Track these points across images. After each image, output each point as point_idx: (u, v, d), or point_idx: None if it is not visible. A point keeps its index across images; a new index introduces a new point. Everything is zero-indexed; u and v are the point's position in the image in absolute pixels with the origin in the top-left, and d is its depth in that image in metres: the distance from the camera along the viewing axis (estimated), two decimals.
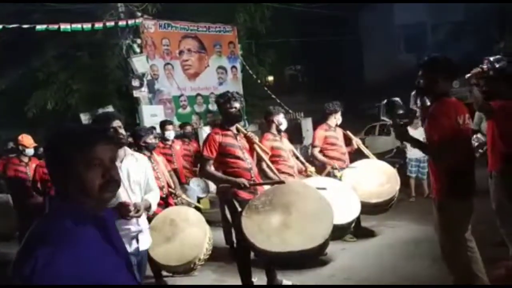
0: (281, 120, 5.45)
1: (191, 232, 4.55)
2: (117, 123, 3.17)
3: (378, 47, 23.22)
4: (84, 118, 10.44)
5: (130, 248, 3.12)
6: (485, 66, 3.93)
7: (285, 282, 4.59)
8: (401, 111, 3.50)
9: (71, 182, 1.45)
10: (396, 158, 10.19)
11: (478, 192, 3.47)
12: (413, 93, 3.68)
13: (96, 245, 1.42)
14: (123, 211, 3.01)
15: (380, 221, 6.62)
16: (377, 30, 22.65)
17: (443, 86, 3.33)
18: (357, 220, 5.90)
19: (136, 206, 3.11)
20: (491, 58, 3.96)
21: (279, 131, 5.46)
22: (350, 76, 21.93)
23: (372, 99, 23.31)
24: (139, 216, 3.16)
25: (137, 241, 3.21)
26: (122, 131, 3.22)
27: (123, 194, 3.12)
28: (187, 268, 4.54)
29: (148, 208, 3.29)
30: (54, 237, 1.34)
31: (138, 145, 5.06)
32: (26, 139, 6.54)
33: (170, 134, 6.79)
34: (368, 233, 6.25)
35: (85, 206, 1.46)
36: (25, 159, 6.62)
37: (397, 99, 3.59)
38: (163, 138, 6.75)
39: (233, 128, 4.41)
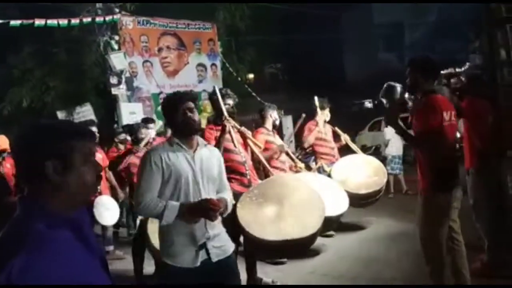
0: (276, 116, 5.59)
1: None
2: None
3: (357, 46, 23.46)
4: (61, 116, 10.25)
5: (195, 262, 2.63)
6: (457, 69, 4.06)
7: (265, 280, 4.61)
8: (398, 97, 3.54)
9: (69, 177, 1.38)
10: (374, 155, 10.30)
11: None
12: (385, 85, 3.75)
13: (72, 247, 1.36)
14: (211, 210, 2.56)
15: (359, 217, 6.70)
16: (356, 29, 22.87)
17: (428, 83, 3.41)
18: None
19: (223, 202, 2.71)
20: (466, 67, 4.14)
21: (274, 126, 5.57)
22: (330, 74, 22.08)
23: (351, 97, 23.58)
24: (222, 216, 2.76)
25: (206, 251, 2.66)
26: None
27: (194, 192, 2.69)
28: None
29: (225, 209, 2.80)
30: (28, 242, 1.27)
31: (135, 140, 5.36)
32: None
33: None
34: (347, 229, 6.32)
35: (59, 206, 1.39)
36: None
37: (398, 84, 3.64)
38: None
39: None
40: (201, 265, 2.64)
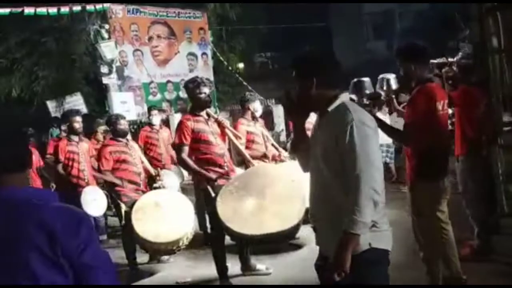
0: (256, 107, 5.49)
1: (178, 214, 4.57)
2: None
3: (347, 34, 23.41)
4: (51, 105, 10.17)
5: None
6: (449, 59, 4.10)
7: (259, 266, 4.65)
8: (368, 91, 3.55)
9: None
10: None
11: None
12: (380, 76, 3.75)
13: None
14: None
15: None
16: (346, 18, 22.81)
17: (420, 72, 3.40)
18: None
19: None
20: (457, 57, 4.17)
21: (253, 117, 5.47)
22: None
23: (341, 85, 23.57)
24: None
25: None
26: None
27: None
28: (171, 249, 4.54)
29: None
30: None
31: (113, 131, 5.13)
32: None
33: (155, 119, 6.75)
34: None
35: None
36: None
37: (366, 79, 3.65)
38: (149, 123, 6.81)
39: (204, 114, 4.40)
40: None
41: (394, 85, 4.05)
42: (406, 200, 3.62)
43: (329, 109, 2.19)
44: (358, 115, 2.10)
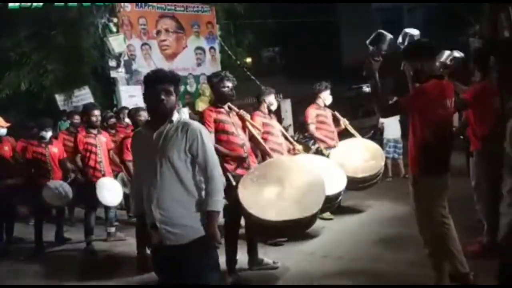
0: (272, 100, 5.63)
1: None
2: None
3: (356, 30, 23.30)
4: (60, 99, 10.22)
5: (153, 239, 2.84)
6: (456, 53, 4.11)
7: (266, 260, 4.66)
8: (385, 48, 3.45)
9: None
10: (373, 139, 10.34)
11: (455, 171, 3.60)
12: (405, 30, 3.66)
13: None
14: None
15: (358, 201, 6.76)
16: (355, 13, 22.68)
17: (428, 68, 3.41)
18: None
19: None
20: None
21: (269, 111, 5.63)
22: (328, 58, 21.98)
23: (349, 81, 23.50)
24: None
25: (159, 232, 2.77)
26: None
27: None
28: None
29: None
30: None
31: (134, 124, 5.55)
32: None
33: None
34: (346, 212, 6.38)
35: None
36: None
37: (389, 35, 3.53)
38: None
39: (225, 107, 4.49)
40: (159, 246, 2.73)
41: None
42: (410, 195, 3.61)
43: None
44: None
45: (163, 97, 2.68)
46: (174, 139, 2.69)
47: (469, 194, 4.48)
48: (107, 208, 6.24)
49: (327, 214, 5.97)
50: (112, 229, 6.36)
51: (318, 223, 5.72)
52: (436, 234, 3.45)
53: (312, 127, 6.33)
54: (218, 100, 4.49)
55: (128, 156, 5.47)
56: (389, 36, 3.48)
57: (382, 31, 3.57)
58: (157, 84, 2.71)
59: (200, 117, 4.67)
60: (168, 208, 2.67)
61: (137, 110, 5.53)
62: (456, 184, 3.76)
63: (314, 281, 4.20)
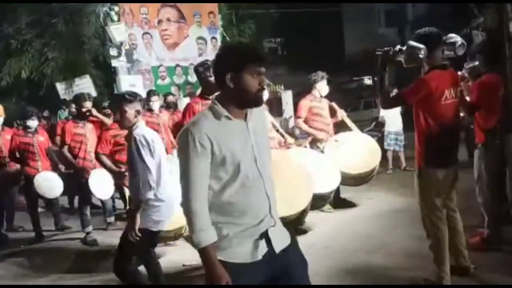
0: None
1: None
2: None
3: (358, 20, 23.17)
4: (60, 87, 10.17)
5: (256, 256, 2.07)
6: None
7: None
8: (421, 56, 3.33)
9: None
10: (375, 132, 10.32)
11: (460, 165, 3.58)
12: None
13: None
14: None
15: (358, 193, 6.74)
16: (358, 4, 22.55)
17: (433, 58, 3.37)
18: (337, 191, 6.04)
19: None
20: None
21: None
22: (330, 49, 21.89)
23: (351, 72, 23.44)
24: None
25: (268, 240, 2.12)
26: None
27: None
28: (177, 234, 4.61)
29: None
30: None
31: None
32: None
33: (154, 104, 6.69)
34: (346, 204, 6.37)
35: None
36: None
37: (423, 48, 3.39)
38: (149, 109, 6.70)
39: (213, 97, 4.34)
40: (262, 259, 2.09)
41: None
42: (415, 187, 3.59)
43: None
44: None
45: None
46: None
47: (472, 187, 4.45)
48: (103, 200, 6.21)
49: (327, 207, 5.95)
50: (112, 219, 6.36)
51: (318, 215, 5.73)
52: (437, 225, 3.44)
53: (300, 121, 6.16)
54: (205, 90, 4.28)
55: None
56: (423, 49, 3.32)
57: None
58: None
59: (185, 108, 4.45)
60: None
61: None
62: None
63: (314, 273, 4.18)
